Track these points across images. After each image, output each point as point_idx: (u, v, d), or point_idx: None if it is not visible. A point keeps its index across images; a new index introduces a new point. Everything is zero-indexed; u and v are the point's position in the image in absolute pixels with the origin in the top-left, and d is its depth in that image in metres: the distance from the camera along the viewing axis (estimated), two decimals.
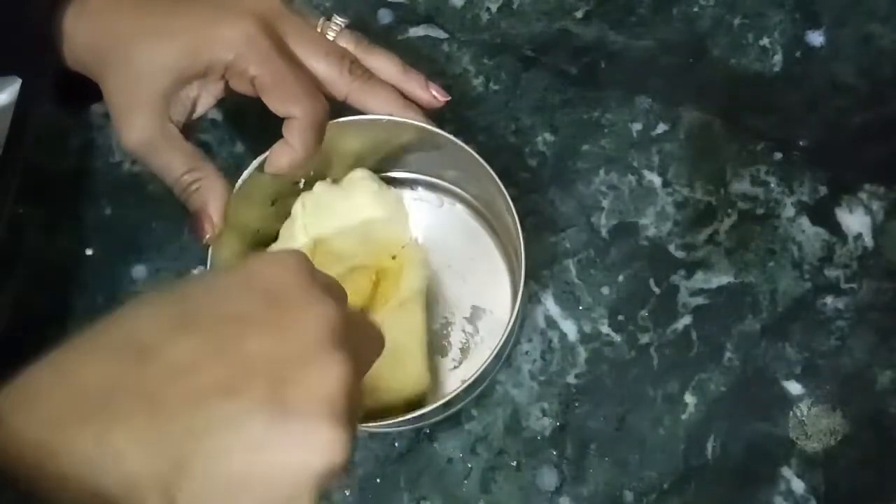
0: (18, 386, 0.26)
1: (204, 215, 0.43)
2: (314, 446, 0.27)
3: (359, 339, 0.31)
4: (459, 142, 0.45)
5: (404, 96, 0.47)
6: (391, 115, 0.45)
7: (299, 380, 0.27)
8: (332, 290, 0.31)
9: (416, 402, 0.46)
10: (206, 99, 0.44)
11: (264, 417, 0.26)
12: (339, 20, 0.46)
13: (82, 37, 0.43)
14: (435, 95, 0.47)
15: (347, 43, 0.46)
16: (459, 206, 0.52)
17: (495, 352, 0.43)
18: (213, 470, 0.26)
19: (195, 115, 0.45)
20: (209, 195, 0.43)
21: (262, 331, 0.28)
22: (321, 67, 0.44)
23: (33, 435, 0.25)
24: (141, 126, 0.43)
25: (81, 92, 0.45)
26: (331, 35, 0.45)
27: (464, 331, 0.50)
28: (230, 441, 0.26)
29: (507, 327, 0.43)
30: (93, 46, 0.43)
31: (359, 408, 0.30)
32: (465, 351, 0.50)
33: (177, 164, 0.43)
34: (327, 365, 0.28)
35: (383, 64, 0.46)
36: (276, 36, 0.43)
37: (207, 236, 0.43)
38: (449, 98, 0.48)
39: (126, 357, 0.26)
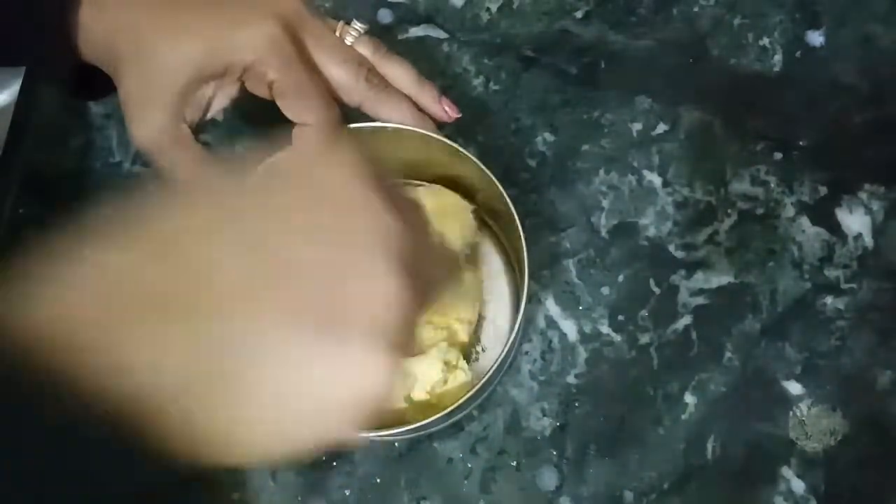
0: (60, 278, 0.23)
1: None
2: (359, 367, 0.24)
3: (428, 263, 0.28)
4: (462, 149, 0.45)
5: (417, 106, 0.47)
6: (403, 124, 0.45)
7: (352, 298, 0.24)
8: (400, 202, 0.27)
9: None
10: (220, 99, 0.44)
11: (310, 335, 0.24)
12: (357, 25, 0.45)
13: (98, 29, 0.42)
14: (446, 110, 0.47)
15: (365, 49, 0.46)
16: None
17: (497, 363, 0.43)
18: (255, 392, 0.24)
19: (209, 116, 0.44)
20: None
21: (315, 238, 0.25)
22: (338, 74, 0.44)
23: (69, 335, 0.22)
24: (153, 124, 0.42)
25: (96, 84, 0.45)
26: (349, 40, 0.45)
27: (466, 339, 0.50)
28: (276, 357, 0.24)
29: (509, 339, 0.43)
30: (109, 40, 0.42)
31: (413, 338, 0.27)
32: (466, 360, 0.49)
33: (185, 166, 0.43)
34: (383, 286, 0.25)
35: (399, 73, 0.46)
36: (297, 40, 0.42)
37: None
38: (459, 115, 0.48)
39: (164, 260, 0.24)
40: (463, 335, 0.47)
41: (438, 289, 0.30)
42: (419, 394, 0.45)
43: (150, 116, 0.42)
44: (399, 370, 0.25)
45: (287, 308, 0.24)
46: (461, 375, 0.46)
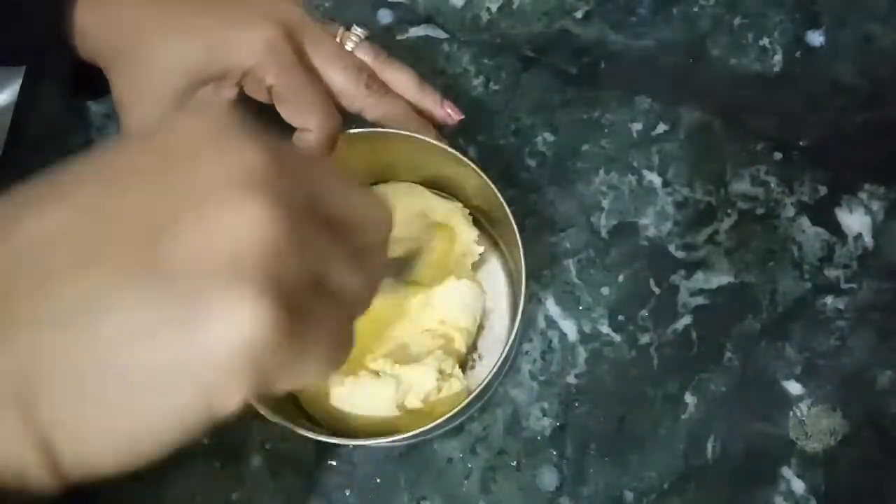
0: None
1: None
2: (217, 320, 0.20)
3: (349, 215, 0.24)
4: (462, 156, 0.45)
5: (418, 111, 0.47)
6: (404, 130, 0.45)
7: (184, 231, 0.20)
8: (294, 152, 0.24)
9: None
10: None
11: (131, 290, 0.20)
12: (358, 31, 0.45)
13: (95, 28, 0.42)
14: (449, 113, 0.47)
15: (365, 55, 0.45)
16: None
17: (493, 371, 0.43)
18: (73, 370, 0.20)
19: None
20: None
21: (144, 185, 0.21)
22: (338, 79, 0.44)
23: None
24: (149, 123, 0.42)
25: (96, 82, 0.45)
26: (349, 46, 0.45)
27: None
28: (88, 330, 0.20)
29: (506, 347, 0.43)
30: (106, 38, 0.42)
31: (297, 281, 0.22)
32: (462, 367, 0.49)
33: None
34: (239, 212, 0.20)
35: (400, 78, 0.46)
36: (297, 44, 0.42)
37: None
38: (462, 117, 0.48)
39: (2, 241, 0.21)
40: (460, 344, 0.47)
41: (365, 231, 0.25)
42: (413, 402, 0.45)
43: (146, 116, 0.42)
44: (291, 323, 0.21)
45: (122, 267, 0.20)
46: (455, 384, 0.46)
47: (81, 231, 0.21)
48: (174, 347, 0.20)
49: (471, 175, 0.46)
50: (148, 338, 0.20)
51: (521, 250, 0.44)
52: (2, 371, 0.20)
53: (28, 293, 0.20)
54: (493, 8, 0.58)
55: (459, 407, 0.42)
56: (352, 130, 0.45)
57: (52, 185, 0.22)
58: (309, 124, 0.42)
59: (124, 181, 0.21)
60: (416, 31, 0.58)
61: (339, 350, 0.24)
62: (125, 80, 0.42)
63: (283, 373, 0.22)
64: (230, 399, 0.21)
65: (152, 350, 0.20)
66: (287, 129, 0.43)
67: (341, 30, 0.45)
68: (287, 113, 0.43)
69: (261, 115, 0.44)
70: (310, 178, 0.23)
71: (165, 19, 0.42)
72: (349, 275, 0.24)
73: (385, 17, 0.58)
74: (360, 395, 0.44)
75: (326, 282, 0.23)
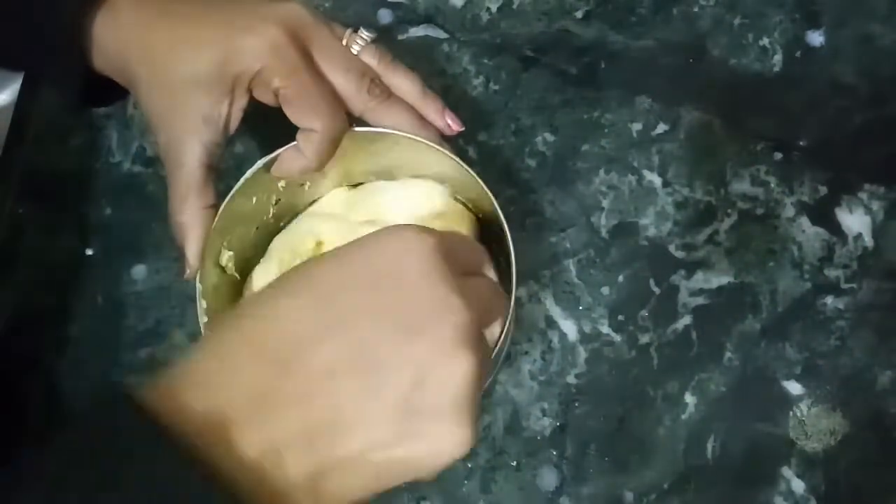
0: (188, 373, 0.30)
1: (182, 254, 0.44)
2: (440, 443, 0.30)
3: (488, 317, 0.34)
4: (461, 162, 0.45)
5: (419, 115, 0.47)
6: (405, 133, 0.45)
7: (430, 384, 0.30)
8: (466, 264, 0.34)
9: None
10: (235, 114, 0.44)
11: (398, 420, 0.29)
12: (365, 34, 0.45)
13: (113, 45, 0.43)
14: (449, 123, 0.47)
15: (371, 58, 0.45)
16: None
17: (492, 355, 0.43)
18: (353, 466, 0.29)
19: (231, 131, 0.44)
20: (188, 235, 0.43)
21: (395, 335, 0.30)
22: (341, 83, 0.44)
23: (206, 426, 0.28)
24: (195, 137, 0.43)
25: (100, 91, 0.45)
26: (355, 49, 0.45)
27: None
28: (368, 440, 0.29)
29: (499, 339, 0.43)
30: (124, 56, 0.43)
31: (481, 394, 0.32)
32: None
33: (181, 188, 0.43)
34: (455, 367, 0.30)
35: (403, 84, 0.46)
36: (302, 46, 0.42)
37: (187, 273, 0.44)
38: (462, 129, 0.47)
39: (277, 362, 0.29)
40: None
41: (496, 328, 0.36)
42: None
43: (176, 137, 0.43)
44: (475, 432, 0.30)
45: (381, 394, 0.30)
46: None
47: (356, 371, 0.30)
48: (411, 459, 0.30)
49: (468, 180, 0.46)
50: (397, 449, 0.30)
51: (513, 253, 0.43)
52: (307, 464, 0.29)
53: (327, 411, 0.29)
54: (493, 8, 0.58)
55: None
56: (355, 129, 0.45)
57: (319, 322, 0.30)
58: (313, 126, 0.43)
59: (374, 329, 0.30)
60: (416, 31, 0.58)
61: None
62: (150, 101, 0.43)
63: None
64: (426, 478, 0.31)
65: (399, 458, 0.30)
66: (289, 126, 0.43)
67: (348, 32, 0.45)
68: (292, 114, 0.43)
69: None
70: (488, 309, 0.34)
71: (174, 36, 0.42)
72: None
73: (385, 17, 0.58)
74: None
75: None
